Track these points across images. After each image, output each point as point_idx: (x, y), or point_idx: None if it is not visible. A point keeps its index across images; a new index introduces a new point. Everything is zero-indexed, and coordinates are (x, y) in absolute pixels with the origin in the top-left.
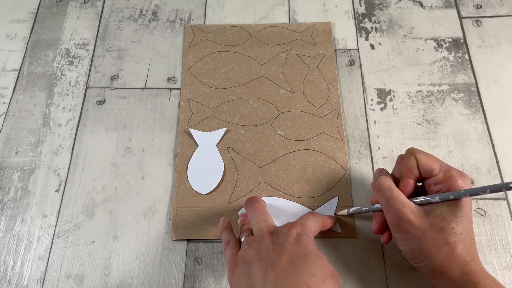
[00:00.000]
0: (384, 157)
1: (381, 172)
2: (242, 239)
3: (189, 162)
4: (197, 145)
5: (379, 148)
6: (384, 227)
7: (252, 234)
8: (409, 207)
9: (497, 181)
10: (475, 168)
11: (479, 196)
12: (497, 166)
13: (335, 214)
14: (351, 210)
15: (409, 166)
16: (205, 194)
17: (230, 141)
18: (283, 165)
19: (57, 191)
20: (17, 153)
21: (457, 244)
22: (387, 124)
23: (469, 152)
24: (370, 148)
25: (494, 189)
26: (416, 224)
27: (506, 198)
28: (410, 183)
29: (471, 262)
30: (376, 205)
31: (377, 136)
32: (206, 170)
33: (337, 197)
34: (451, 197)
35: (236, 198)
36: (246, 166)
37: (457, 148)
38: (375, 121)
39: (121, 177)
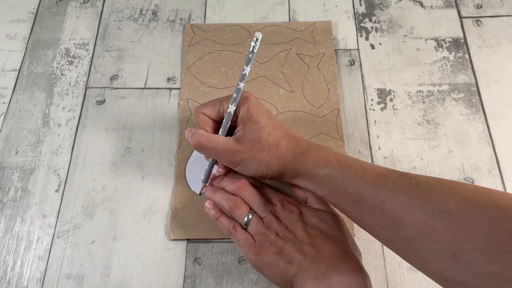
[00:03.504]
0: (385, 157)
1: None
2: (248, 222)
3: (187, 163)
4: None
5: (379, 148)
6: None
7: (250, 213)
8: (230, 143)
9: (498, 181)
10: (475, 168)
11: None
12: (497, 166)
13: (200, 194)
14: (202, 178)
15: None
16: (203, 195)
17: None
18: None
19: (57, 191)
20: (17, 153)
21: (281, 141)
22: (387, 124)
23: (469, 152)
24: (370, 148)
25: (246, 61)
26: (243, 150)
27: None
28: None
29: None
30: (210, 159)
31: (377, 136)
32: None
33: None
34: (234, 95)
35: None
36: None
37: (457, 148)
38: (375, 121)
39: (121, 177)
